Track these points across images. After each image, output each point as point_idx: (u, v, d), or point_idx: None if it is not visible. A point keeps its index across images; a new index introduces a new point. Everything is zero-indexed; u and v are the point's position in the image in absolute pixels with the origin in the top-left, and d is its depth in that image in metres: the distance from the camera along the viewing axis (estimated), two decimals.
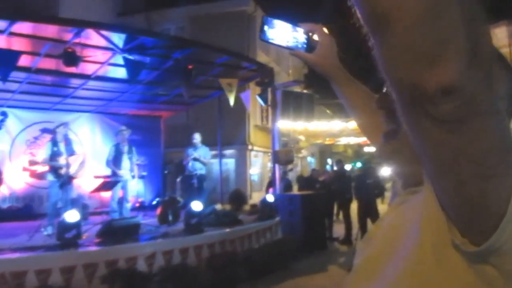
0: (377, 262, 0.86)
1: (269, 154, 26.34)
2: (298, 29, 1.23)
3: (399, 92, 0.60)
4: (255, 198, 21.48)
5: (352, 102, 1.34)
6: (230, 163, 22.20)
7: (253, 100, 12.25)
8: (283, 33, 1.20)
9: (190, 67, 7.99)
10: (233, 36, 21.50)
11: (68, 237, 6.07)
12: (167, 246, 6.61)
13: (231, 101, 9.23)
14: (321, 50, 1.26)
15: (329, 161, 37.40)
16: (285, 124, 13.80)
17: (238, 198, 14.33)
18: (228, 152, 21.15)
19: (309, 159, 34.75)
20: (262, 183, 25.42)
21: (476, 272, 0.68)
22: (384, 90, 0.98)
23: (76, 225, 6.19)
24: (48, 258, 5.71)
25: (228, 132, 15.24)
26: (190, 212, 7.33)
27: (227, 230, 7.67)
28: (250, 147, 22.67)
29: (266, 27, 1.17)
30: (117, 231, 6.54)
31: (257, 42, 23.51)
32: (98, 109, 11.94)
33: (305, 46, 1.25)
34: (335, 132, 21.93)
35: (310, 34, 1.25)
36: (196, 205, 7.34)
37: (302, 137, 25.65)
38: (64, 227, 6.12)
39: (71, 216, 6.16)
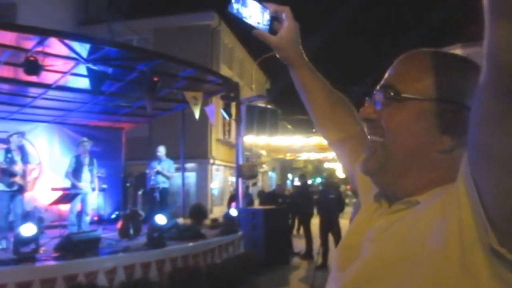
0: (385, 269, 0.82)
1: (231, 168, 26.50)
2: (265, 11, 1.20)
3: (504, 78, 0.58)
4: (216, 212, 21.40)
5: (310, 92, 1.32)
6: (191, 177, 22.06)
7: (216, 114, 12.25)
8: (253, 12, 1.17)
9: (155, 79, 7.92)
10: (197, 49, 21.56)
11: (24, 251, 5.86)
12: (129, 260, 6.46)
13: (197, 115, 9.19)
14: (286, 34, 1.22)
15: (290, 176, 37.70)
16: (248, 139, 13.84)
17: (199, 212, 14.14)
18: (189, 165, 21.02)
19: (270, 173, 34.90)
20: (223, 197, 25.34)
21: (502, 281, 0.68)
22: (367, 102, 0.97)
23: (33, 239, 5.98)
24: (4, 273, 5.46)
25: (190, 146, 15.13)
26: (154, 226, 7.20)
27: (190, 244, 7.58)
28: (211, 161, 22.63)
29: (236, 2, 1.13)
30: (76, 245, 6.34)
31: (220, 56, 23.66)
32: (57, 119, 11.62)
33: (267, 27, 1.21)
34: (296, 147, 22.16)
35: (275, 16, 1.22)
36: (160, 219, 7.22)
37: (263, 152, 25.78)
38: (21, 241, 5.90)
39: (28, 229, 5.94)
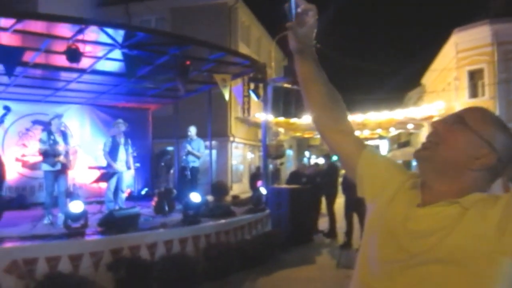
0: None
1: (250, 146, 26.87)
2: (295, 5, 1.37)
3: None
4: (235, 189, 21.85)
5: (314, 85, 1.51)
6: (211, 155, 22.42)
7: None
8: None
9: (187, 63, 8.24)
10: (214, 28, 21.69)
11: (74, 226, 6.33)
12: (168, 236, 6.90)
13: (226, 96, 9.56)
14: (309, 30, 1.40)
15: (307, 153, 37.99)
16: (267, 117, 14.11)
17: (220, 189, 14.54)
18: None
19: (288, 151, 35.20)
20: (242, 175, 25.79)
21: None
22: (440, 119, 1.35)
23: (82, 215, 6.45)
24: (57, 246, 5.95)
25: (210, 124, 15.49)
26: (189, 204, 7.63)
27: (222, 221, 7.99)
28: (231, 138, 22.97)
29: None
30: (118, 221, 6.78)
31: (238, 35, 23.80)
32: (88, 101, 12.08)
33: (292, 17, 1.37)
34: (314, 125, 22.31)
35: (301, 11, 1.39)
36: (194, 197, 7.64)
37: (282, 130, 26.07)
38: (71, 217, 6.37)
39: (77, 206, 6.41)
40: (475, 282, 1.12)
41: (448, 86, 25.10)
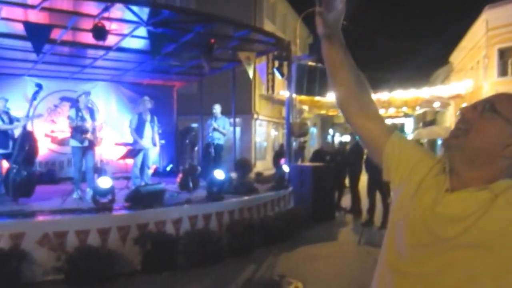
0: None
1: (273, 123, 26.87)
2: None
3: None
4: (259, 166, 21.96)
5: (342, 69, 1.50)
6: (235, 132, 22.52)
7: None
8: None
9: (212, 41, 8.26)
10: (239, 5, 21.52)
11: (102, 201, 6.52)
12: (192, 211, 7.06)
13: (251, 74, 9.59)
14: (338, 15, 1.39)
15: (331, 131, 37.83)
16: (291, 96, 14.06)
17: (244, 166, 14.58)
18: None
19: (312, 129, 35.11)
20: (266, 152, 25.87)
21: None
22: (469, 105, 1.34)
23: (109, 191, 6.64)
24: (86, 220, 6.17)
25: (235, 101, 15.55)
26: (213, 180, 7.75)
27: (245, 198, 8.12)
28: (255, 116, 23.00)
29: None
30: (144, 197, 6.95)
31: (263, 11, 23.59)
32: (114, 78, 12.25)
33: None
34: None
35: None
36: (219, 174, 7.76)
37: (306, 108, 25.98)
38: (99, 192, 6.56)
39: (105, 182, 6.59)
40: (505, 267, 1.15)
41: (476, 64, 24.56)
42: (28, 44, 7.23)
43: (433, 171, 1.38)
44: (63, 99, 11.45)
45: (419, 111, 31.32)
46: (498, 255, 1.15)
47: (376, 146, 1.54)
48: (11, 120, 7.98)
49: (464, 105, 1.47)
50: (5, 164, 7.83)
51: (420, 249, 1.27)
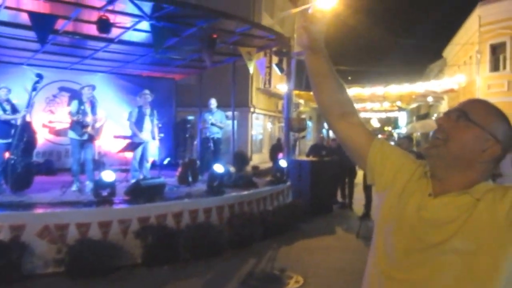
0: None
1: (270, 116, 26.88)
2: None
3: None
4: (255, 159, 22.01)
5: (326, 79, 1.56)
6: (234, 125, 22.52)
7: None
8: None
9: (214, 36, 8.27)
10: None
11: (103, 195, 6.55)
12: (193, 205, 7.10)
13: (251, 69, 9.63)
14: (320, 32, 1.48)
15: (326, 125, 37.88)
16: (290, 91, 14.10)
17: (241, 159, 14.62)
18: (231, 114, 21.37)
19: (308, 122, 35.16)
20: (262, 145, 25.91)
21: None
22: (445, 115, 1.38)
23: (111, 184, 6.66)
24: (87, 213, 6.20)
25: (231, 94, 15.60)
26: (213, 174, 7.80)
27: (245, 192, 8.18)
28: (252, 109, 23.00)
29: None
30: (145, 190, 6.99)
31: (262, 5, 23.51)
32: (114, 70, 12.20)
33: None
34: None
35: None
36: (218, 168, 7.80)
37: (302, 101, 26.01)
38: (100, 185, 6.59)
39: (107, 175, 6.62)
40: (491, 272, 1.20)
41: (469, 59, 24.74)
42: (29, 33, 7.19)
43: (415, 175, 1.44)
44: (62, 89, 11.42)
45: (413, 105, 31.47)
46: (483, 259, 1.20)
47: (359, 152, 1.60)
48: (14, 110, 7.92)
49: (443, 113, 1.52)
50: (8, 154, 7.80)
51: (409, 254, 1.32)
